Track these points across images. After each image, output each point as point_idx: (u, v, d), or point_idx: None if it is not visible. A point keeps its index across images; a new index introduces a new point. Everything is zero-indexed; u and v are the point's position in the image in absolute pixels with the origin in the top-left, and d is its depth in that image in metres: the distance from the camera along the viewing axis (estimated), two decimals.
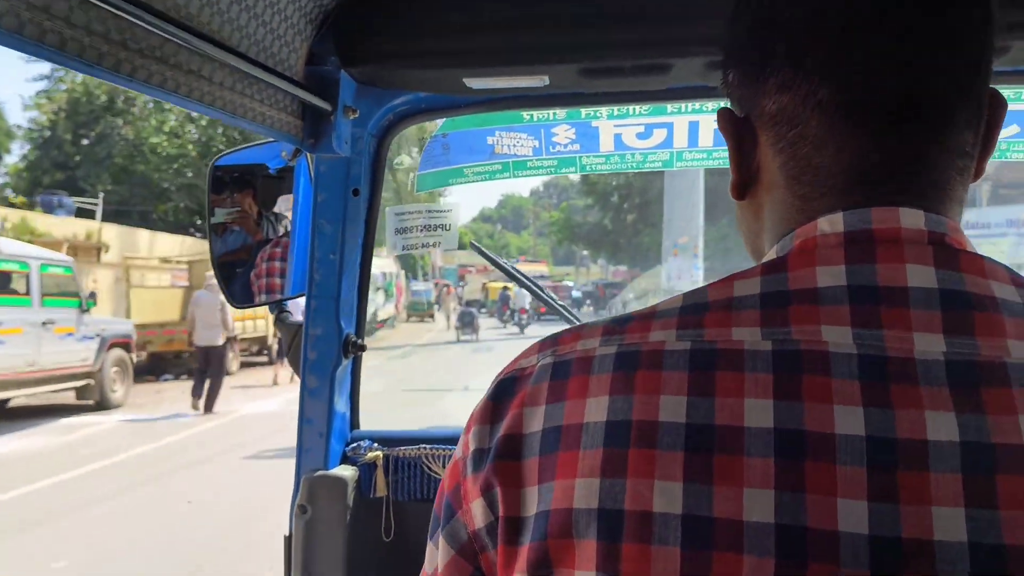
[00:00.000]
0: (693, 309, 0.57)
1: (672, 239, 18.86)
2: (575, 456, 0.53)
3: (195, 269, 16.15)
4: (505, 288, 28.50)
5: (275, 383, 14.83)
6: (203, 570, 5.43)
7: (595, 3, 1.22)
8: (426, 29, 1.28)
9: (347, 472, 1.61)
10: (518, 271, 1.98)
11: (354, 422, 1.72)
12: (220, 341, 11.76)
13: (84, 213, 22.70)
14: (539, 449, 0.55)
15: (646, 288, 24.10)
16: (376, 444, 1.67)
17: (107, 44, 0.86)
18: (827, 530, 0.46)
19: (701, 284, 0.62)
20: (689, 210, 18.06)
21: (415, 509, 1.66)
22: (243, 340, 16.82)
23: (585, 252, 55.64)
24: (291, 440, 1.63)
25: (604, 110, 1.82)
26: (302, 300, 1.65)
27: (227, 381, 13.47)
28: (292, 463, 1.61)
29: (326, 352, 1.58)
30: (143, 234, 20.46)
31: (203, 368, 11.68)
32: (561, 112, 1.87)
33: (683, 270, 18.05)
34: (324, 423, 1.59)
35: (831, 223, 0.57)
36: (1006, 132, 1.71)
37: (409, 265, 38.44)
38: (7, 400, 11.63)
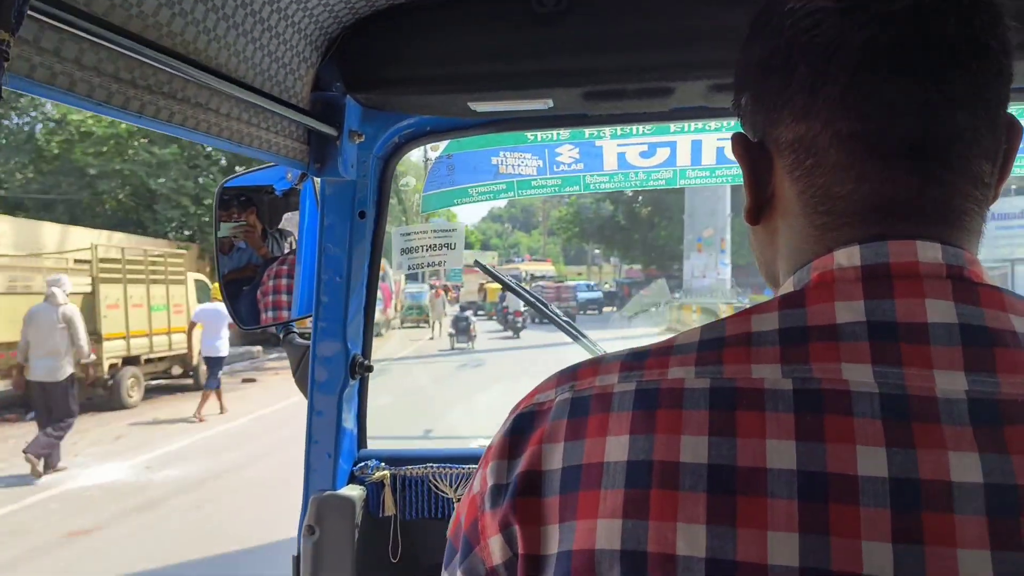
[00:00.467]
0: (711, 344, 0.56)
1: (695, 232, 17.21)
2: (596, 496, 0.53)
3: (105, 271, 12.53)
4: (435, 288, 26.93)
5: (199, 417, 10.89)
6: None
7: (598, 28, 1.24)
8: (430, 54, 1.30)
9: (355, 492, 1.62)
10: (521, 286, 1.99)
11: (361, 442, 1.73)
12: (63, 375, 8.22)
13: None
14: (560, 487, 0.55)
15: (659, 293, 21.74)
16: (383, 464, 1.68)
17: (116, 83, 0.87)
18: (852, 572, 0.46)
19: (727, 282, 0.60)
20: (714, 200, 16.16)
21: (423, 528, 1.66)
22: (150, 361, 13.41)
23: (596, 250, 53.31)
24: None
25: (608, 130, 1.84)
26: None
27: (131, 416, 11.29)
28: None
29: (333, 373, 1.59)
30: (50, 228, 16.11)
31: (44, 412, 8.20)
32: (565, 132, 1.89)
33: (708, 267, 16.43)
34: (331, 443, 1.60)
35: (848, 256, 0.56)
36: None
37: None
38: None
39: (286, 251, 1.81)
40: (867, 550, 0.46)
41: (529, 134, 2.04)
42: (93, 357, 10.40)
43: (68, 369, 8.31)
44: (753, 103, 0.63)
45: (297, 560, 1.60)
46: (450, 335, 21.38)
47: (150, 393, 13.49)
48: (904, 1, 0.55)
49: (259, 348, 20.11)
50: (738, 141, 0.65)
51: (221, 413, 11.25)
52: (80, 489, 7.49)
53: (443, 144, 1.97)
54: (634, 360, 0.58)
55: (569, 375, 0.60)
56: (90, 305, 11.87)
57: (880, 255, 0.55)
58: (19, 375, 8.43)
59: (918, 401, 0.49)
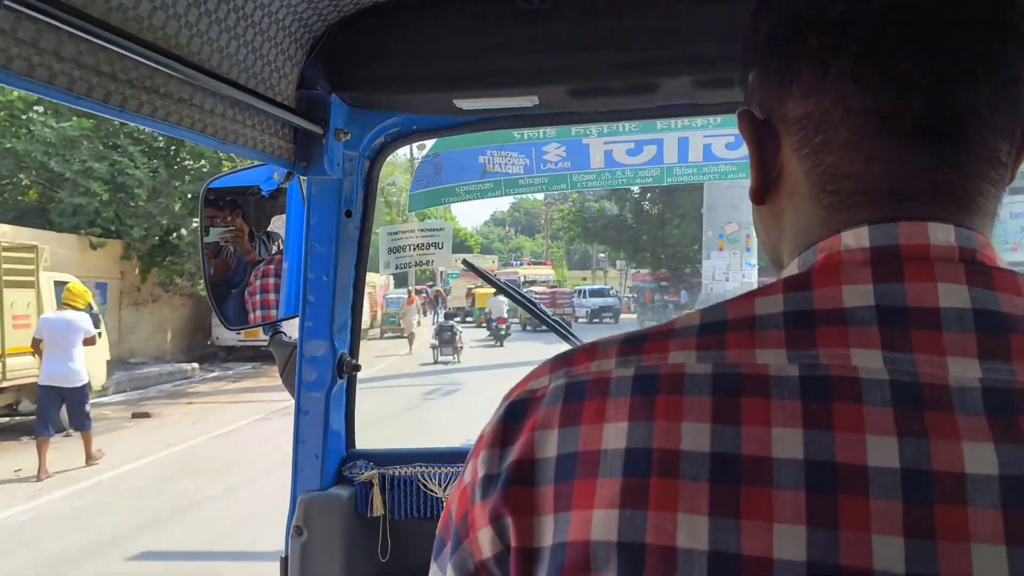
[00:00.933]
0: (713, 328, 0.54)
1: (716, 229, 15.17)
2: (593, 485, 0.50)
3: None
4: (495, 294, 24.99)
5: (40, 475, 7.89)
6: None
7: (582, 25, 1.24)
8: (416, 52, 1.29)
9: (343, 492, 1.61)
10: (511, 286, 1.99)
11: (349, 441, 1.72)
12: None
13: None
14: (554, 476, 0.53)
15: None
16: (372, 463, 1.67)
17: (96, 76, 0.86)
18: (862, 568, 0.44)
19: (754, 283, 0.58)
20: (737, 192, 14.13)
21: (412, 528, 1.66)
22: None
23: (601, 253, 50.36)
24: None
25: (594, 128, 1.85)
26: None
27: None
28: None
29: (320, 372, 1.58)
30: None
31: None
32: (552, 130, 1.89)
33: (731, 267, 14.46)
34: (319, 443, 1.60)
35: (856, 238, 0.54)
36: None
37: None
38: None
39: (273, 254, 1.81)
40: (877, 544, 0.44)
41: (516, 133, 2.04)
42: None
43: None
44: (760, 79, 0.61)
45: (285, 561, 1.59)
46: (432, 347, 18.89)
47: None
48: None
49: (194, 366, 17.96)
50: (744, 118, 0.62)
51: (87, 464, 8.41)
52: None
53: (430, 143, 1.97)
54: (632, 344, 0.56)
55: (564, 360, 0.58)
56: None
57: (890, 237, 0.53)
58: None
59: (930, 389, 0.47)
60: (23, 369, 10.20)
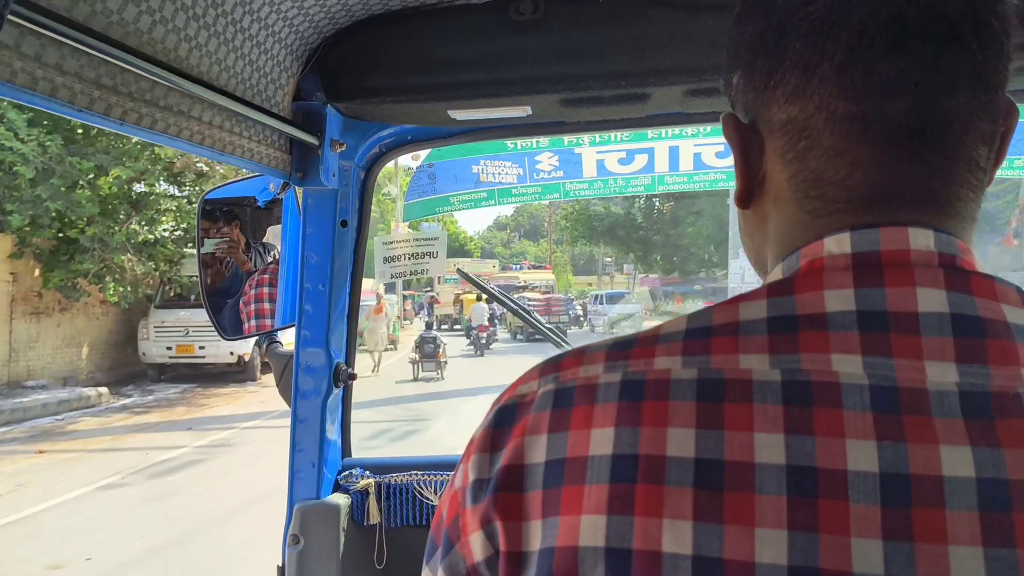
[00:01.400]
0: (698, 333, 0.54)
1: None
2: (580, 491, 0.51)
3: None
4: (479, 299, 22.12)
5: None
6: None
7: (574, 35, 1.26)
8: (410, 64, 1.31)
9: (340, 500, 1.62)
10: (504, 294, 2.00)
11: (346, 450, 1.73)
12: None
13: None
14: (542, 482, 0.53)
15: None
16: (368, 472, 1.68)
17: (98, 89, 0.88)
18: (842, 571, 0.45)
19: None
20: None
21: (408, 535, 1.67)
22: None
23: (608, 258, 47.55)
24: None
25: (586, 137, 1.87)
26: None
27: None
28: None
29: (317, 381, 1.59)
30: None
31: None
32: (544, 140, 1.92)
33: None
34: (315, 452, 1.60)
35: (838, 243, 0.54)
36: None
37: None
38: None
39: (269, 264, 1.82)
40: (856, 548, 0.45)
41: (509, 143, 2.06)
42: None
43: None
44: (745, 82, 0.61)
45: (282, 570, 1.59)
46: (412, 362, 16.32)
47: None
48: None
49: (102, 391, 14.02)
50: (729, 122, 0.63)
51: None
52: None
53: (424, 153, 1.99)
54: (620, 350, 0.56)
55: (553, 365, 0.59)
56: None
57: (871, 243, 0.53)
58: None
59: (908, 393, 0.48)
60: None
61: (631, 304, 29.99)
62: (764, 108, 0.59)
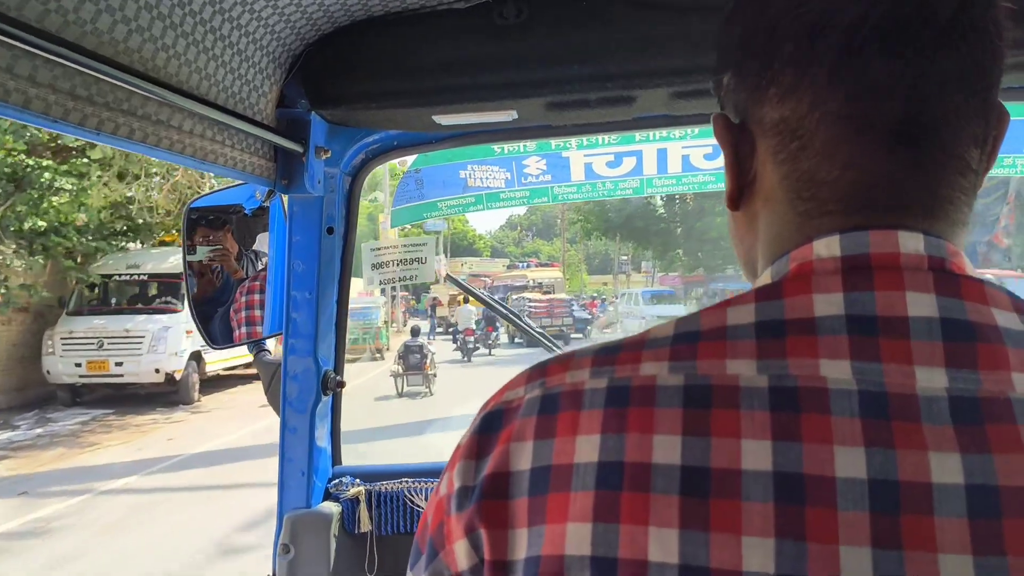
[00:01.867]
0: (686, 338, 0.54)
1: None
2: (566, 498, 0.50)
3: None
4: (435, 299, 21.18)
5: None
6: None
7: (559, 38, 1.25)
8: (394, 69, 1.31)
9: (330, 509, 1.61)
10: (495, 299, 2.00)
11: (336, 458, 1.72)
12: None
13: None
14: (528, 489, 0.53)
15: None
16: (359, 480, 1.67)
17: (73, 100, 0.87)
18: None
19: None
20: None
21: (400, 543, 1.66)
22: None
23: (624, 256, 45.11)
24: None
25: (574, 141, 1.87)
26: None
27: None
28: None
29: (305, 390, 1.58)
30: None
31: None
32: (532, 144, 1.92)
33: None
34: (305, 461, 1.59)
35: (828, 247, 0.54)
36: None
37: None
38: None
39: (258, 273, 1.81)
40: (845, 556, 0.44)
41: (496, 147, 2.06)
42: None
43: None
44: (736, 82, 0.61)
45: None
46: (394, 375, 13.85)
47: None
48: None
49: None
50: (719, 122, 0.62)
51: None
52: None
53: (411, 159, 1.99)
54: (606, 355, 0.56)
55: (539, 371, 0.58)
56: None
57: (860, 245, 0.53)
58: None
59: (898, 399, 0.48)
60: None
61: (671, 304, 26.91)
62: (756, 108, 0.59)
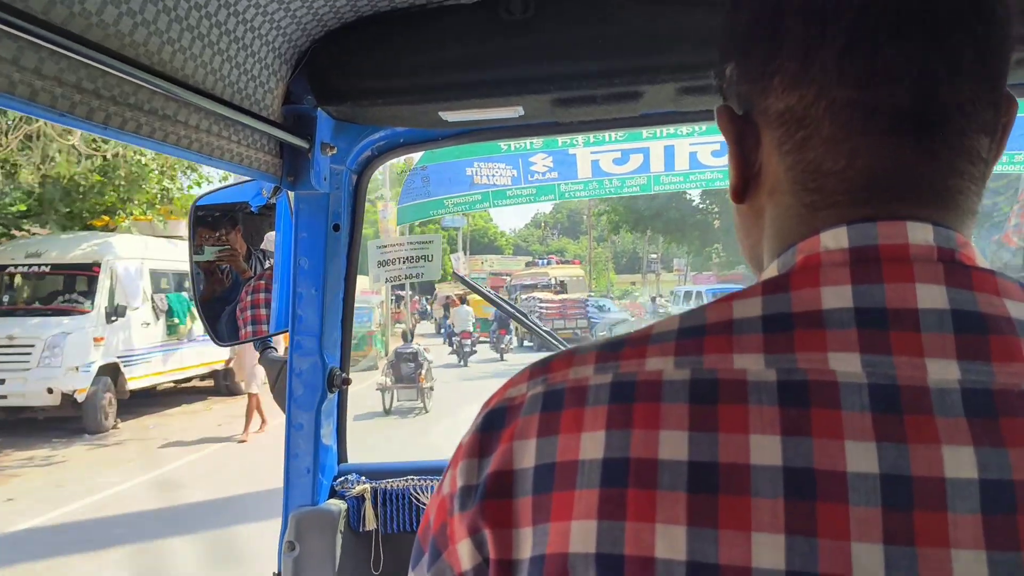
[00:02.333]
0: (691, 332, 0.53)
1: None
2: (571, 496, 0.50)
3: None
4: (448, 299, 19.34)
5: None
6: None
7: (565, 34, 1.25)
8: (400, 65, 1.30)
9: (335, 506, 1.61)
10: (501, 298, 1.99)
11: (341, 456, 1.72)
12: None
13: None
14: (532, 488, 0.52)
15: None
16: (364, 477, 1.67)
17: (79, 93, 0.87)
18: None
19: None
20: None
21: (404, 541, 1.66)
22: None
23: (653, 255, 43.07)
24: None
25: (581, 138, 1.86)
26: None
27: None
28: None
29: (311, 387, 1.58)
30: None
31: None
32: (538, 141, 1.91)
33: None
34: (311, 458, 1.59)
35: (835, 238, 0.53)
36: None
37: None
38: None
39: (264, 270, 1.81)
40: (856, 552, 0.44)
41: (503, 144, 2.05)
42: None
43: None
44: (739, 72, 0.60)
45: None
46: (381, 389, 11.50)
47: None
48: None
49: None
50: (723, 114, 0.61)
51: None
52: None
53: (417, 156, 1.98)
54: (610, 350, 0.55)
55: (542, 368, 0.57)
56: None
57: (868, 237, 0.52)
58: None
59: (909, 392, 0.47)
60: None
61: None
62: (760, 98, 0.57)
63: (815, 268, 0.53)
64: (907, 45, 0.52)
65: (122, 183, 13.41)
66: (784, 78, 0.55)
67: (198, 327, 12.43)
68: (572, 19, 1.24)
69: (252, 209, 1.80)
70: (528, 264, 43.43)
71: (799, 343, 0.49)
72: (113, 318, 11.42)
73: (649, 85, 1.27)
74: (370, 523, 1.64)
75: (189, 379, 14.30)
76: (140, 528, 6.64)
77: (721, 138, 0.63)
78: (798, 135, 0.55)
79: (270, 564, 1.62)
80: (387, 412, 11.53)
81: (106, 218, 14.05)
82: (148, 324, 12.45)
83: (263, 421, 10.28)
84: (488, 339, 21.14)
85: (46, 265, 11.65)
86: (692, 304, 24.77)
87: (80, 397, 10.39)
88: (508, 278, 34.05)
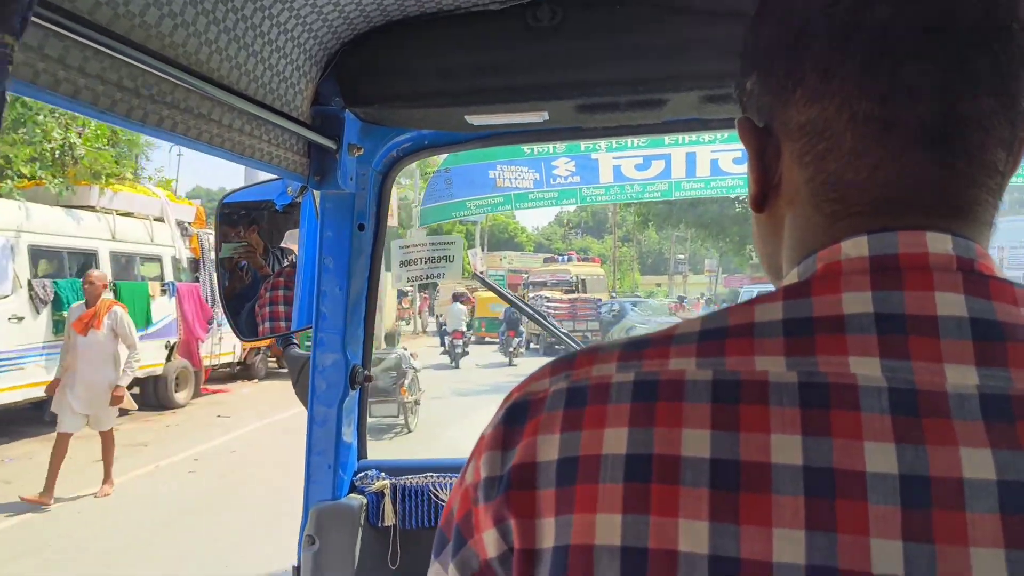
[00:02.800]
0: (713, 334, 0.54)
1: None
2: (594, 490, 0.51)
3: None
4: (455, 300, 17.54)
5: None
6: None
7: (591, 41, 1.26)
8: (427, 69, 1.32)
9: (355, 502, 1.63)
10: (519, 299, 2.01)
11: (361, 452, 1.74)
12: None
13: None
14: (556, 480, 0.53)
15: None
16: (384, 473, 1.69)
17: (120, 91, 0.89)
18: (861, 571, 0.45)
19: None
20: None
21: (423, 538, 1.67)
22: None
23: (680, 255, 41.51)
24: None
25: (603, 143, 1.88)
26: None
27: None
28: None
29: (333, 383, 1.60)
30: None
31: None
32: (561, 145, 1.93)
33: None
34: (332, 454, 1.61)
35: (856, 247, 0.54)
36: None
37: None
38: None
39: (285, 267, 1.84)
40: (876, 548, 0.45)
41: (526, 148, 2.07)
42: None
43: None
44: (761, 85, 0.61)
45: (297, 570, 1.60)
46: None
47: None
48: None
49: None
50: (744, 125, 0.62)
51: None
52: None
53: (441, 158, 2.00)
54: (633, 350, 0.56)
55: (565, 363, 0.59)
56: None
57: (889, 246, 0.53)
58: None
59: (928, 396, 0.48)
60: None
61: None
62: (782, 110, 0.59)
63: (836, 275, 0.54)
64: (927, 61, 0.53)
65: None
66: (806, 91, 0.56)
67: (155, 316, 11.55)
68: (598, 27, 1.25)
69: (277, 207, 1.82)
70: (546, 260, 41.10)
71: (820, 347, 0.50)
72: None
73: (673, 93, 1.28)
74: (389, 519, 1.66)
75: None
76: None
77: (743, 146, 0.65)
78: (819, 147, 0.56)
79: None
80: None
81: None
82: (21, 319, 9.30)
83: (107, 478, 7.03)
84: (498, 340, 19.77)
85: None
86: None
87: None
88: (526, 275, 32.55)
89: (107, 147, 12.04)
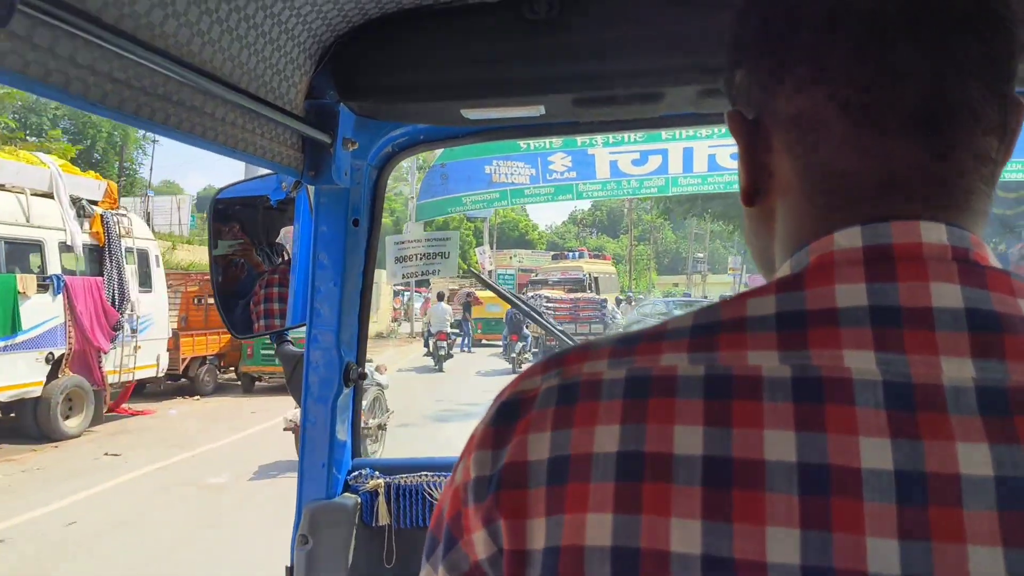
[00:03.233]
0: (705, 329, 0.53)
1: None
2: (585, 489, 0.50)
3: None
4: (469, 296, 17.72)
5: None
6: None
7: (588, 34, 1.25)
8: (422, 62, 1.31)
9: (349, 501, 1.62)
10: (518, 297, 2.00)
11: (355, 450, 1.73)
12: None
13: None
14: (546, 479, 0.52)
15: None
16: (378, 472, 1.68)
17: (110, 83, 0.88)
18: (857, 570, 0.44)
19: None
20: None
21: (417, 537, 1.66)
22: None
23: (699, 254, 40.34)
24: None
25: (600, 138, 1.86)
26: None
27: None
28: None
29: (327, 381, 1.59)
30: None
31: None
32: (557, 141, 1.92)
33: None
34: (325, 452, 1.60)
35: (848, 238, 0.53)
36: None
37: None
38: None
39: (280, 264, 1.82)
40: (872, 547, 0.44)
41: (522, 143, 2.06)
42: None
43: None
44: (749, 77, 0.60)
45: (291, 570, 1.59)
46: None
47: None
48: None
49: None
50: (734, 118, 0.62)
51: None
52: None
53: (437, 153, 1.99)
54: (624, 346, 0.55)
55: (556, 361, 0.58)
56: None
57: (882, 236, 0.53)
58: None
59: (923, 390, 0.47)
60: None
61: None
62: (771, 101, 0.58)
63: (829, 267, 0.53)
64: (915, 47, 0.52)
65: None
66: (795, 81, 0.56)
67: (28, 320, 8.99)
68: (596, 20, 1.24)
69: (271, 203, 1.81)
70: (555, 257, 38.59)
71: (813, 340, 0.50)
72: None
73: (671, 87, 1.27)
74: (383, 518, 1.65)
75: None
76: None
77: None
78: (809, 138, 0.56)
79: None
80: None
81: None
82: None
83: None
84: (500, 343, 18.78)
85: None
86: None
87: None
88: (535, 274, 30.85)
89: None
